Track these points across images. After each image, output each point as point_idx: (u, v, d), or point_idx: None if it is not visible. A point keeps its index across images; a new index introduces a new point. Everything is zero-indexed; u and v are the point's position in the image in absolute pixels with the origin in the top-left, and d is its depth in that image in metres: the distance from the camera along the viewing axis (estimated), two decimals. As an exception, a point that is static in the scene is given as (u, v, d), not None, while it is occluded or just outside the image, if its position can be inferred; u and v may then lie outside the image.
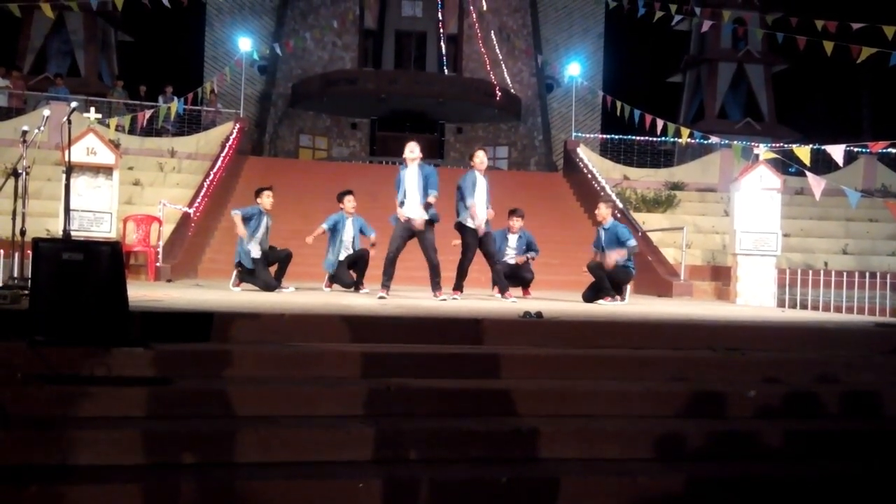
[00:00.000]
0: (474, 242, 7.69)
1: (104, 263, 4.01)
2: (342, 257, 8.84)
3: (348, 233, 8.89)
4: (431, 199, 7.42)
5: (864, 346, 5.27)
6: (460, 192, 7.68)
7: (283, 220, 8.63)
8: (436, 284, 7.53)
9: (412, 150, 7.57)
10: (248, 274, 8.18)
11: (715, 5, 22.67)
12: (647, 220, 13.66)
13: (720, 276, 11.40)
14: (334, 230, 8.87)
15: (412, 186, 7.47)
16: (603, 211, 8.50)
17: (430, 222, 7.53)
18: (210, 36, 26.22)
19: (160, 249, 10.39)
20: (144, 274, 10.14)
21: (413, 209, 7.45)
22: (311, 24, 26.03)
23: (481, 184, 7.68)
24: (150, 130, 16.17)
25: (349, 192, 8.98)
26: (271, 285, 8.07)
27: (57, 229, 9.20)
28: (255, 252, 8.18)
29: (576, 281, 10.26)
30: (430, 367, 4.31)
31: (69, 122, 5.86)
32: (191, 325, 4.46)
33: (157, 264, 10.14)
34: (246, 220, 8.18)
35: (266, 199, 8.29)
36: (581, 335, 5.02)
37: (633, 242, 8.28)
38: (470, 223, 7.62)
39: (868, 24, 11.73)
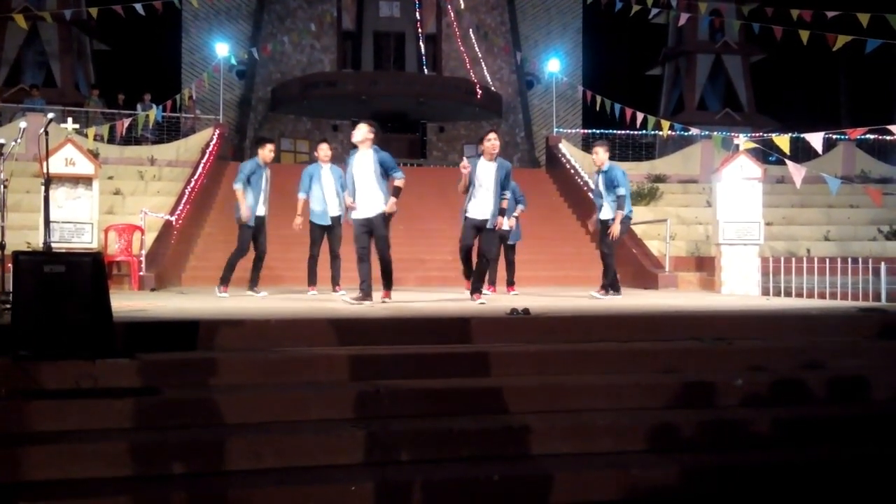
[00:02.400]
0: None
1: (86, 275, 3.96)
2: (334, 212, 8.26)
3: (328, 183, 8.33)
4: (400, 183, 6.90)
5: (849, 331, 5.32)
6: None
7: (269, 225, 8.58)
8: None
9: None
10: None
11: (691, -3, 22.80)
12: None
13: (704, 266, 11.46)
14: (311, 184, 8.37)
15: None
16: (601, 155, 8.20)
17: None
18: (187, 42, 26.03)
19: (143, 258, 10.30)
20: (128, 283, 10.03)
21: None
22: (289, 27, 25.94)
23: (488, 170, 7.45)
24: (130, 139, 16.00)
25: (323, 140, 8.84)
26: (243, 249, 8.09)
27: (37, 242, 9.10)
28: (262, 210, 8.24)
29: (562, 276, 10.33)
30: (420, 368, 4.30)
31: (46, 133, 5.78)
32: (176, 334, 4.42)
33: (141, 273, 10.04)
34: (248, 179, 8.14)
35: (268, 153, 8.25)
36: (569, 330, 5.03)
37: (622, 191, 8.02)
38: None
39: (843, 13, 11.83)
